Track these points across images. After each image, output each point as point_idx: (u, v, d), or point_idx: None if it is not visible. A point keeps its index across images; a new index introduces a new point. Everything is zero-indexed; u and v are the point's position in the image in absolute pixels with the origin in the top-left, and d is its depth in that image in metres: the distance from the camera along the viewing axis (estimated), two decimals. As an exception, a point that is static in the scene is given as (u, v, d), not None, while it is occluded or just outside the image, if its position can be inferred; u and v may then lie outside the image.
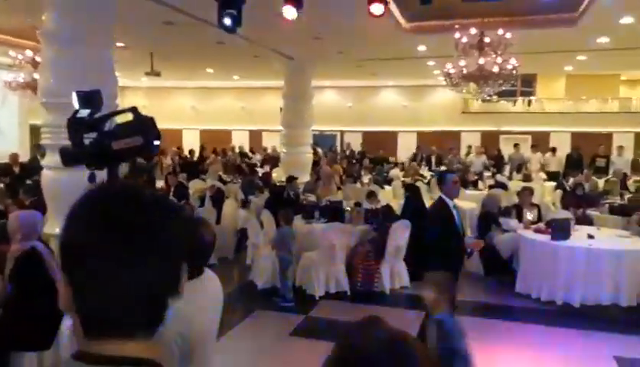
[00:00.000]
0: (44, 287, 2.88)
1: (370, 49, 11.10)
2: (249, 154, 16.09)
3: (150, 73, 12.40)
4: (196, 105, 20.05)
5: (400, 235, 6.31)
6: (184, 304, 2.03)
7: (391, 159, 15.24)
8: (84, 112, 2.05)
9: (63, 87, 5.06)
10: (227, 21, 5.96)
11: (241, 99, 19.61)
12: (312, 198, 8.71)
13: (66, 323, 3.56)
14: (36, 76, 10.59)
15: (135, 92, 18.61)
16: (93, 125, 2.04)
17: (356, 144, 17.37)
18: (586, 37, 9.54)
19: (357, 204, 7.15)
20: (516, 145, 14.19)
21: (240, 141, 18.52)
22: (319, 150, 14.90)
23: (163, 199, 0.90)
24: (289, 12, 6.06)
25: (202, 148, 15.89)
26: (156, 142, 2.08)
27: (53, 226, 4.62)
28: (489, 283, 6.72)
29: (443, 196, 4.31)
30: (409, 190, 7.16)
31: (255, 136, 19.31)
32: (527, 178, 10.99)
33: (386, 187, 10.12)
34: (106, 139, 2.00)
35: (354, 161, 13.91)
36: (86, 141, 2.01)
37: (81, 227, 0.80)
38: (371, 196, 7.74)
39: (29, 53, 10.64)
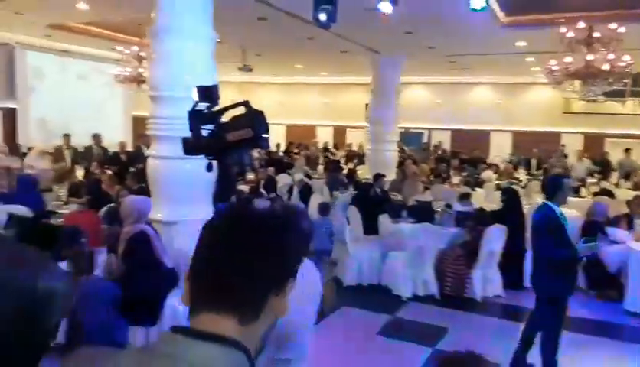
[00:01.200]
0: (150, 266, 3.03)
1: (463, 44, 10.67)
2: (332, 150, 16.13)
3: (242, 67, 12.79)
4: (283, 100, 20.46)
5: (495, 240, 5.99)
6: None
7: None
8: (202, 105, 2.13)
9: (168, 81, 5.32)
10: (322, 17, 5.97)
11: (326, 95, 19.72)
12: (398, 197, 8.55)
13: (169, 302, 3.74)
14: (140, 70, 11.32)
15: (227, 86, 19.27)
16: (210, 117, 2.12)
17: (445, 143, 16.81)
18: None
19: (448, 205, 6.89)
20: (627, 150, 12.98)
21: (325, 136, 18.65)
22: (405, 148, 14.60)
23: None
24: (385, 6, 5.95)
25: (289, 144, 16.16)
26: (265, 135, 2.11)
27: (156, 212, 4.87)
28: (593, 298, 6.19)
29: (550, 204, 3.97)
30: (507, 194, 6.76)
31: (339, 132, 19.35)
32: (638, 186, 10.02)
33: (478, 190, 9.69)
34: (221, 131, 2.06)
35: (444, 161, 13.44)
36: (204, 133, 2.09)
37: (207, 241, 0.92)
38: (464, 197, 7.45)
39: (135, 48, 11.39)
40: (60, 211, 6.11)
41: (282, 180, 10.05)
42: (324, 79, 18.66)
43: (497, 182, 10.19)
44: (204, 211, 4.94)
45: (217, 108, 2.12)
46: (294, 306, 2.01)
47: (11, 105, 13.13)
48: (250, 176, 10.09)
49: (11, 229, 4.25)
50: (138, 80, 11.38)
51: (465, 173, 11.36)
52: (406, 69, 12.59)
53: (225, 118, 2.21)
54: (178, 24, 5.30)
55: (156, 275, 3.35)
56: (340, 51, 11.79)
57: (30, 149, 10.81)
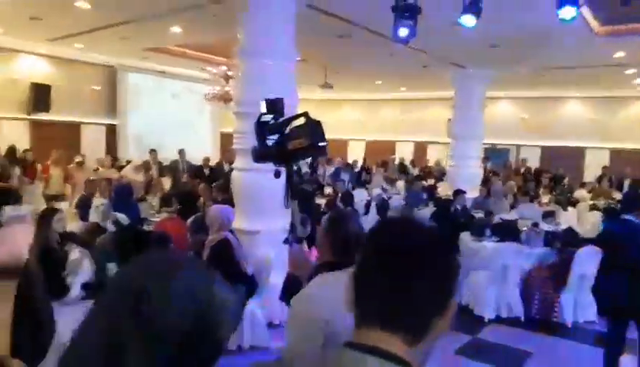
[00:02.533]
0: (231, 272, 3.16)
1: (554, 56, 10.15)
2: (409, 167, 15.87)
3: (324, 85, 13.04)
4: (362, 116, 20.55)
5: (587, 262, 5.57)
6: (330, 293, 2.06)
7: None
8: (268, 117, 2.27)
9: (251, 98, 5.57)
10: (403, 32, 5.97)
11: (406, 111, 19.54)
12: (481, 214, 8.23)
13: (248, 307, 3.86)
14: (227, 88, 11.93)
15: (308, 103, 19.73)
16: (275, 127, 2.25)
17: (533, 160, 15.93)
18: None
19: (535, 224, 6.53)
20: None
21: (404, 152, 18.44)
22: (489, 164, 14.06)
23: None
24: (468, 20, 5.83)
25: (364, 160, 16.16)
26: (321, 143, 2.21)
27: (240, 221, 5.08)
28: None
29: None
30: (607, 214, 6.30)
31: (419, 148, 19.06)
32: None
33: (570, 209, 9.09)
34: (284, 140, 2.19)
35: (531, 179, 12.75)
36: (270, 142, 2.23)
37: (367, 248, 0.99)
38: (549, 215, 7.03)
39: (223, 68, 12.04)
40: (152, 219, 6.55)
41: (359, 195, 10.05)
42: (404, 94, 18.52)
43: (591, 202, 9.50)
44: (284, 222, 5.08)
45: (281, 119, 2.25)
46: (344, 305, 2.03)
47: (112, 121, 14.34)
48: (328, 190, 10.20)
49: (112, 234, 4.64)
50: (225, 98, 11.98)
51: (555, 192, 10.70)
52: (492, 83, 12.20)
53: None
54: (262, 44, 5.57)
55: (237, 281, 3.48)
56: (422, 66, 11.68)
57: (128, 162, 11.73)
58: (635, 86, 12.76)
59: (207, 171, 11.42)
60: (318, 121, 2.20)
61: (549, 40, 8.41)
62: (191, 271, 0.93)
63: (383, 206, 9.08)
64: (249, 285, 3.52)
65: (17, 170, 8.36)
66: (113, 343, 0.83)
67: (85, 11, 8.15)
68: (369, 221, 8.10)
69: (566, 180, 12.38)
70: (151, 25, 8.87)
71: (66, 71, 13.17)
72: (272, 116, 2.28)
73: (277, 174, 2.24)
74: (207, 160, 12.19)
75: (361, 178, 13.22)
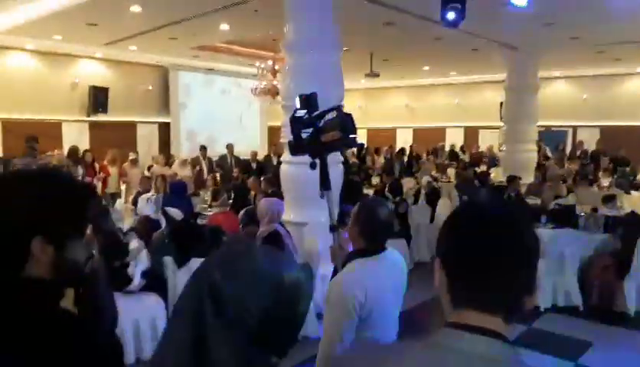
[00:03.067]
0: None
1: (613, 31, 9.59)
2: (460, 154, 15.49)
3: (370, 74, 12.94)
4: (410, 103, 20.24)
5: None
6: (362, 275, 2.14)
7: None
8: (302, 112, 2.35)
9: (299, 91, 5.63)
10: (451, 16, 5.84)
11: (456, 95, 19.06)
12: (537, 200, 7.96)
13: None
14: (275, 82, 12.07)
15: (353, 93, 19.68)
16: (309, 122, 2.32)
17: (592, 141, 15.18)
18: None
19: (595, 209, 6.25)
20: None
21: (455, 138, 18.04)
22: (545, 148, 13.52)
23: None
24: (520, 0, 5.63)
25: (411, 148, 15.89)
26: (352, 135, 2.27)
27: (289, 213, 5.17)
28: None
29: None
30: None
31: (471, 133, 18.56)
32: None
33: (633, 193, 8.63)
34: (317, 133, 2.26)
35: (588, 162, 12.19)
36: (305, 135, 2.31)
37: (474, 242, 0.95)
38: (609, 200, 6.72)
39: (270, 62, 12.19)
40: (204, 213, 6.77)
41: (408, 183, 9.94)
42: (454, 78, 18.07)
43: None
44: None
45: (315, 113, 2.31)
46: (376, 284, 2.08)
47: (165, 119, 14.86)
48: (375, 179, 10.17)
49: (167, 228, 4.84)
50: (273, 92, 12.14)
51: (617, 175, 10.18)
52: (546, 63, 11.69)
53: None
54: (307, 37, 5.61)
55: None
56: (471, 49, 11.35)
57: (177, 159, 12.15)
58: None
59: (254, 165, 11.63)
60: (349, 114, 2.30)
61: (608, 14, 7.96)
62: (257, 256, 1.03)
63: (432, 194, 8.94)
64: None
65: (79, 170, 8.83)
66: (197, 336, 0.92)
67: (137, 14, 8.47)
68: (419, 210, 8.02)
69: (629, 163, 11.73)
70: (198, 24, 9.10)
71: (122, 73, 13.76)
72: (305, 111, 2.36)
73: (313, 165, 2.34)
74: (254, 154, 12.41)
75: (410, 167, 13.06)
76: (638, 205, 7.55)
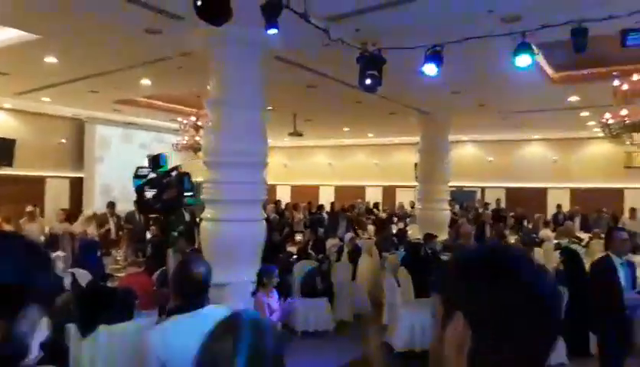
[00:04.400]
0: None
1: (514, 101, 10.63)
2: (375, 211, 15.99)
3: (293, 133, 13.23)
4: (332, 162, 20.84)
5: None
6: (169, 332, 2.13)
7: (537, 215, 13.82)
8: (145, 171, 2.46)
9: (223, 147, 5.62)
10: (368, 82, 6.17)
11: (375, 156, 19.95)
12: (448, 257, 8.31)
13: None
14: (197, 138, 11.96)
15: (278, 151, 19.97)
16: (155, 181, 2.43)
17: (499, 200, 16.29)
18: None
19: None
20: None
21: (374, 196, 18.67)
22: (456, 206, 14.31)
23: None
24: (430, 69, 6.07)
25: (332, 204, 16.14)
26: (187, 194, 2.43)
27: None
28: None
29: (610, 253, 4.11)
30: (565, 254, 6.46)
31: (388, 192, 19.32)
32: None
33: (536, 249, 9.28)
34: (160, 192, 2.36)
35: (497, 220, 13.02)
36: (149, 194, 2.42)
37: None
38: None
39: (192, 118, 12.11)
40: (117, 274, 6.37)
41: (330, 241, 10.03)
42: (373, 140, 18.97)
43: (555, 241, 9.73)
44: (253, 272, 5.03)
45: (159, 174, 2.39)
46: (184, 349, 2.08)
47: (79, 174, 14.09)
48: (298, 237, 10.17)
49: (72, 291, 4.48)
50: (195, 148, 12.00)
51: (521, 233, 10.94)
52: (456, 127, 12.59)
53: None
54: (231, 95, 5.67)
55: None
56: (388, 113, 12.02)
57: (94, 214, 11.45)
58: (589, 127, 13.37)
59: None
60: (186, 173, 2.47)
61: (507, 86, 8.82)
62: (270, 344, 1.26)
63: (355, 251, 9.06)
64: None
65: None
66: None
67: (53, 65, 8.15)
68: (341, 267, 8.06)
69: (525, 222, 12.76)
70: (121, 78, 8.92)
71: (33, 124, 13.01)
72: (149, 170, 2.48)
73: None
74: None
75: (333, 224, 13.21)
76: (540, 260, 8.09)
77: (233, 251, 5.22)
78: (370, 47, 6.14)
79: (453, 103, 10.55)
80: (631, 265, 4.19)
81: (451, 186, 12.45)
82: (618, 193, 15.37)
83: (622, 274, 3.99)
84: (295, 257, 8.16)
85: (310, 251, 8.60)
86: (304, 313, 6.84)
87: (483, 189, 17.89)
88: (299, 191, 19.86)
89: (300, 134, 13.51)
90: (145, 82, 9.36)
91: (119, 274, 6.28)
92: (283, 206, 14.50)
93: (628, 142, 8.79)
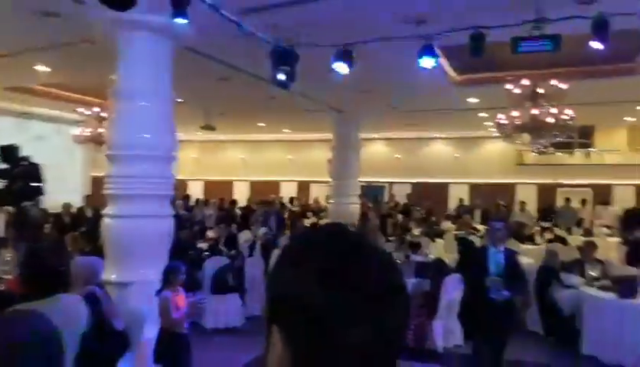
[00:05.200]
0: (98, 329, 2.95)
1: (419, 101, 11.18)
2: (288, 205, 16.13)
3: (205, 127, 12.93)
4: (246, 157, 20.65)
5: (453, 290, 6.06)
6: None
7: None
8: None
9: (128, 140, 5.37)
10: (281, 77, 6.19)
11: (290, 151, 20.07)
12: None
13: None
14: (100, 130, 11.31)
15: (190, 145, 19.41)
16: (6, 172, 2.42)
17: (402, 195, 17.14)
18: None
19: (407, 256, 6.99)
20: (567, 200, 13.71)
21: (289, 192, 18.77)
22: (366, 201, 14.83)
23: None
24: (341, 68, 6.23)
25: (248, 200, 15.97)
26: (34, 184, 2.49)
27: (110, 272, 4.76)
28: (551, 343, 6.30)
29: (487, 243, 4.55)
30: (461, 244, 6.95)
31: (303, 187, 19.54)
32: (588, 233, 10.45)
33: (438, 240, 9.89)
34: (10, 183, 2.37)
35: (401, 214, 13.69)
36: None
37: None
38: (415, 247, 7.58)
39: (96, 109, 11.43)
40: (4, 277, 5.84)
41: (245, 236, 9.97)
42: (288, 135, 19.06)
43: (455, 232, 10.43)
44: (158, 271, 4.88)
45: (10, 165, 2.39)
46: None
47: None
48: (210, 233, 9.99)
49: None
50: (98, 140, 11.33)
51: (425, 225, 11.58)
52: (367, 126, 13.02)
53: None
54: (137, 85, 5.41)
55: (104, 338, 3.24)
56: (302, 110, 12.13)
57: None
58: (486, 127, 14.41)
59: (67, 219, 10.37)
60: (36, 164, 2.50)
61: (413, 87, 9.26)
62: None
63: (267, 246, 9.07)
64: (119, 342, 3.29)
65: None
66: None
67: None
68: (253, 262, 8.05)
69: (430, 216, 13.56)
70: (13, 63, 8.19)
71: None
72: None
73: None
74: (67, 206, 11.01)
75: (245, 219, 13.11)
76: (441, 251, 8.65)
77: (138, 248, 5.01)
78: (283, 42, 6.17)
79: (364, 102, 10.89)
80: (509, 253, 4.54)
81: (361, 182, 12.87)
82: (511, 188, 16.77)
83: (493, 261, 4.33)
84: (206, 253, 8.01)
85: (222, 247, 8.48)
86: (214, 309, 6.75)
87: (391, 184, 18.68)
88: (212, 187, 19.47)
89: (212, 128, 13.24)
90: (43, 68, 8.68)
91: (7, 276, 5.77)
92: (193, 202, 14.14)
93: (518, 141, 9.61)
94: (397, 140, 18.54)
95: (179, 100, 6.26)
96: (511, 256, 4.49)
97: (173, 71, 5.74)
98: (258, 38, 5.81)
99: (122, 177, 5.32)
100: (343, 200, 11.84)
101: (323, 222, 12.52)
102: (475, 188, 17.17)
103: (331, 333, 0.62)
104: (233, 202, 14.48)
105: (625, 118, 14.69)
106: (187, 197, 14.42)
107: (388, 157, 18.74)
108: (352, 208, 11.82)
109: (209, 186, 19.83)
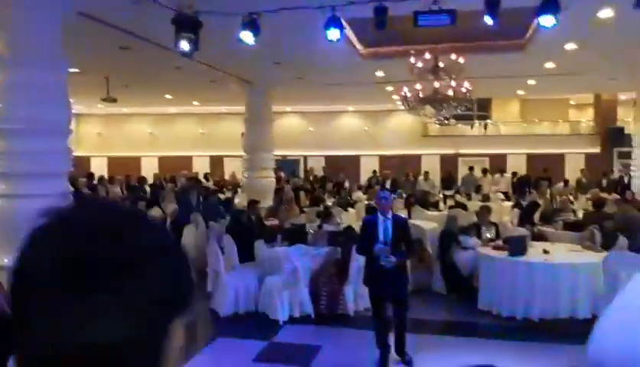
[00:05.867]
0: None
1: (329, 74, 11.27)
2: (203, 181, 15.80)
3: (106, 99, 12.17)
4: (154, 131, 19.77)
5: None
6: None
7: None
8: None
9: (15, 113, 4.91)
10: (184, 46, 5.95)
11: (201, 125, 19.51)
12: (275, 222, 8.67)
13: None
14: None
15: (91, 119, 18.23)
16: None
17: (319, 167, 17.44)
18: (534, 63, 10.00)
19: (320, 226, 7.14)
20: (471, 168, 14.71)
21: (201, 167, 18.31)
22: (282, 174, 14.88)
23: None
24: (247, 36, 6.11)
25: (155, 176, 15.38)
26: None
27: (3, 257, 4.40)
28: (452, 301, 6.80)
29: (379, 211, 4.77)
30: (368, 212, 7.23)
31: (216, 162, 19.14)
32: (486, 198, 11.31)
33: (350, 209, 10.20)
34: None
35: (317, 186, 13.95)
36: None
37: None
38: (326, 216, 7.78)
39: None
40: None
41: (155, 213, 9.62)
42: (199, 108, 18.46)
43: (366, 202, 10.81)
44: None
45: None
46: None
47: None
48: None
49: None
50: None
51: (338, 196, 11.88)
52: (280, 99, 12.95)
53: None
54: (26, 53, 4.95)
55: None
56: (210, 81, 11.76)
57: None
58: (393, 101, 14.92)
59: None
60: None
61: (322, 60, 9.32)
62: None
63: (178, 222, 8.84)
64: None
65: None
66: None
67: None
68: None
69: (346, 184, 13.89)
70: None
71: None
72: None
73: None
74: None
75: (155, 195, 12.65)
76: (353, 220, 8.93)
77: (22, 231, 4.65)
78: (187, 9, 5.91)
79: (275, 74, 10.79)
80: (397, 220, 4.77)
81: (276, 155, 12.85)
82: (417, 159, 17.63)
83: (382, 229, 4.56)
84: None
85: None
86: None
87: (305, 157, 18.86)
88: (118, 163, 18.47)
89: (114, 100, 12.48)
90: None
91: None
92: (97, 180, 13.36)
93: (422, 113, 10.06)
94: (310, 113, 18.68)
95: (74, 70, 5.82)
96: (398, 223, 4.70)
97: (68, 39, 5.30)
98: (158, 5, 5.51)
99: (12, 153, 4.89)
100: (257, 174, 11.76)
101: (240, 196, 12.42)
102: (384, 159, 17.84)
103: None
104: (142, 179, 13.88)
105: (518, 92, 15.88)
106: (90, 175, 13.59)
107: (302, 131, 18.86)
108: (267, 182, 11.79)
109: (114, 162, 18.81)
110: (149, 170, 17.82)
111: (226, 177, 16.96)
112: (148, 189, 13.08)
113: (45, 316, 0.55)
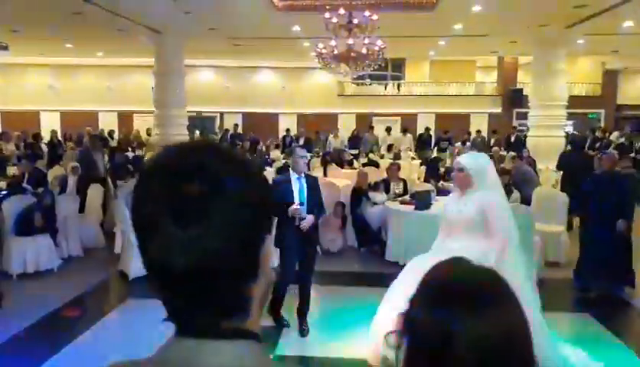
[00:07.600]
0: None
1: (243, 27, 10.92)
2: (109, 139, 14.91)
3: (-5, 46, 10.99)
4: (55, 84, 18.21)
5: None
6: None
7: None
8: None
9: None
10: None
11: (108, 78, 18.23)
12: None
13: None
14: None
15: (-22, 69, 16.42)
16: None
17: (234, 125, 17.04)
18: (444, 24, 10.33)
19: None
20: (371, 127, 15.09)
21: (108, 123, 17.22)
22: (197, 132, 14.43)
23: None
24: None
25: (53, 132, 14.08)
26: None
27: None
28: (363, 254, 7.09)
29: (291, 170, 4.66)
30: (280, 172, 7.29)
31: (125, 118, 18.09)
32: (397, 157, 11.75)
33: (268, 168, 10.16)
34: None
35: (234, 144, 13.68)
36: None
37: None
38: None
39: None
40: None
41: (56, 172, 8.99)
42: (104, 60, 17.17)
43: (283, 161, 10.82)
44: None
45: None
46: None
47: None
48: (14, 170, 8.80)
49: None
50: None
51: (255, 155, 11.77)
52: (193, 52, 12.35)
53: None
54: None
55: None
56: (117, 30, 10.94)
57: None
58: (311, 58, 14.83)
59: None
60: None
61: (235, 11, 8.98)
62: None
63: (83, 181, 8.31)
64: None
65: None
66: None
67: None
68: (66, 200, 7.35)
69: (261, 145, 13.76)
70: None
71: None
72: None
73: None
74: None
75: (57, 153, 11.79)
76: (270, 179, 8.93)
77: None
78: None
79: (185, 24, 10.26)
80: (309, 179, 4.72)
81: (189, 112, 12.38)
82: (334, 117, 17.80)
83: (296, 188, 4.54)
84: (4, 192, 7.05)
85: (27, 184, 7.54)
86: (19, 253, 6.08)
87: (222, 114, 18.36)
88: (14, 118, 16.91)
89: (5, 48, 11.29)
90: None
91: None
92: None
93: (337, 72, 10.06)
94: (227, 68, 18.06)
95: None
96: (311, 182, 4.71)
97: None
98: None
99: None
100: (169, 131, 11.29)
101: (149, 155, 11.88)
102: (302, 118, 17.82)
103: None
104: (36, 136, 12.81)
105: (430, 52, 16.38)
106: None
107: (218, 86, 18.26)
108: (179, 139, 11.36)
109: (9, 117, 17.19)
110: (50, 126, 16.41)
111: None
112: (44, 147, 12.09)
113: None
